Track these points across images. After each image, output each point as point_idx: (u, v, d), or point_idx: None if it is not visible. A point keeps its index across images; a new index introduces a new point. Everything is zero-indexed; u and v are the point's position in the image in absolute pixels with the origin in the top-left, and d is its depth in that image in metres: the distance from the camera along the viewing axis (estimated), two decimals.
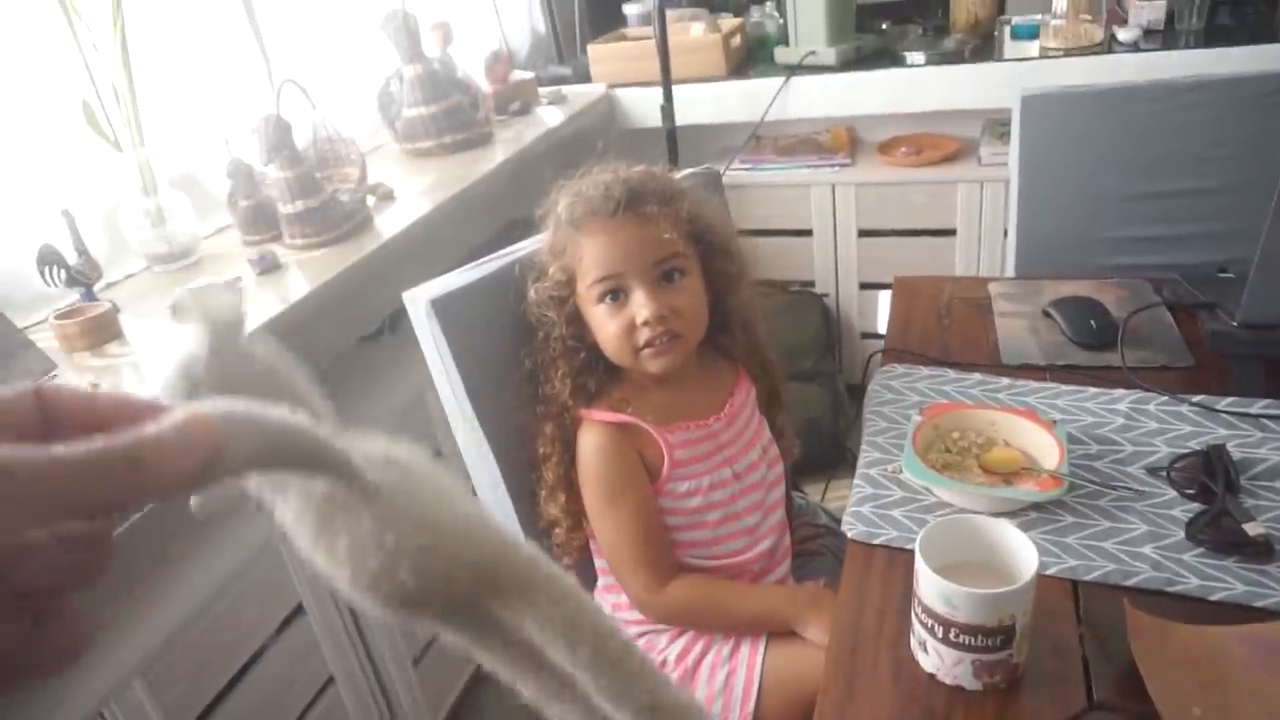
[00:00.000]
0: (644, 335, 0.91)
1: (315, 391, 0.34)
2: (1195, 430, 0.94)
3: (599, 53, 2.30)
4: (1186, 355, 1.07)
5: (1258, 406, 0.95)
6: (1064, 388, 1.04)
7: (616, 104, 2.29)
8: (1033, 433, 0.93)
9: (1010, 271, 1.61)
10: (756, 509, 1.03)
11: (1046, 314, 1.18)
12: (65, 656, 0.28)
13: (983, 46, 2.11)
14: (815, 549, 1.19)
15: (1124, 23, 1.95)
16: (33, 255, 1.18)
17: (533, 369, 0.98)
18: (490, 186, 1.69)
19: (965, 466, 0.92)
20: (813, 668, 0.81)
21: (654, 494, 0.98)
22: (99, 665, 0.98)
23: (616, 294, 0.91)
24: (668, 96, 2.10)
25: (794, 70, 2.13)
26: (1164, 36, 1.92)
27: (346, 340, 1.34)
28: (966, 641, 0.65)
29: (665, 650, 1.01)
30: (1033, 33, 2.05)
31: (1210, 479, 0.83)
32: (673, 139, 2.15)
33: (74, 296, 1.24)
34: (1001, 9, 2.26)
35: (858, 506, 0.90)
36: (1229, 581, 0.74)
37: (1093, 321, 1.13)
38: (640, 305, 0.90)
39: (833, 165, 2.23)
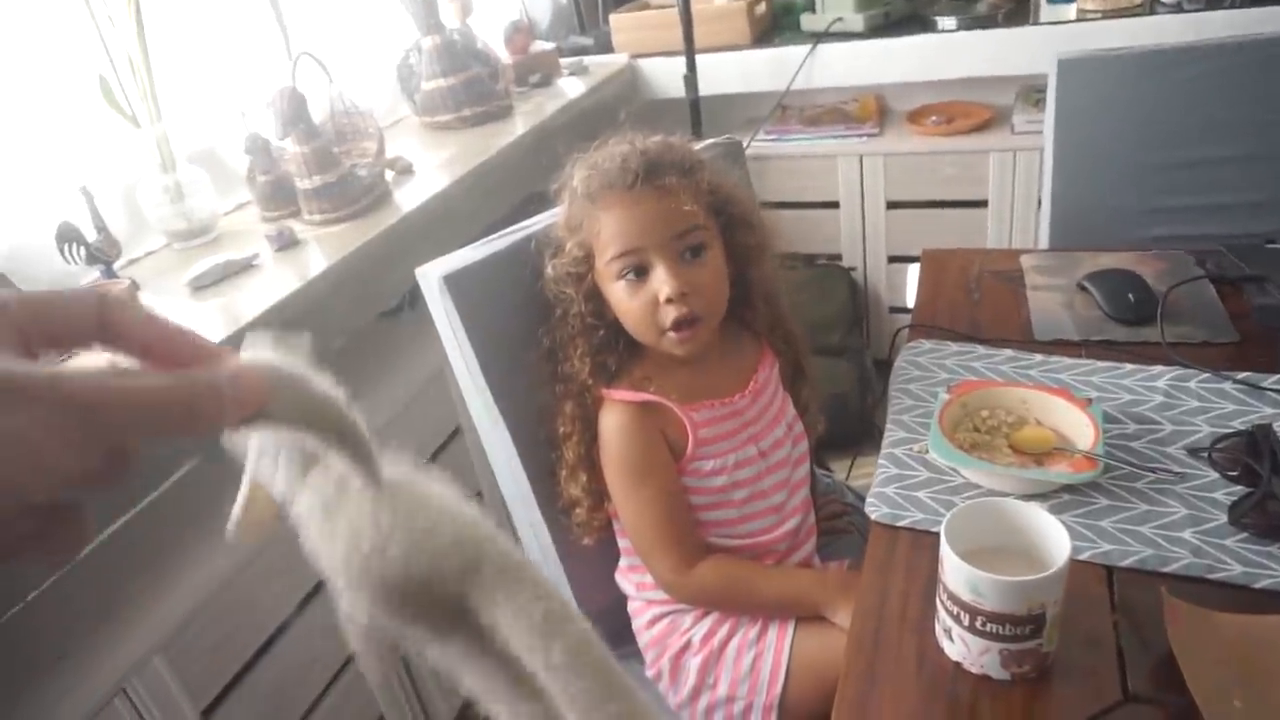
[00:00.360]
0: (669, 314, 0.88)
1: (359, 419, 0.35)
2: (1239, 409, 0.90)
3: (621, 22, 2.26)
4: (1230, 330, 1.02)
5: None
6: (1100, 364, 1.00)
7: (639, 74, 2.25)
8: (1066, 411, 0.89)
9: (1044, 244, 1.56)
10: (782, 487, 1.01)
11: (1082, 287, 1.14)
12: (72, 547, 0.31)
13: (1017, 10, 2.03)
14: (843, 527, 1.17)
15: None
16: (53, 233, 1.18)
17: (551, 347, 0.96)
18: (510, 159, 1.66)
19: (994, 446, 0.88)
20: (841, 652, 0.79)
21: (678, 473, 0.96)
22: (122, 641, 0.99)
23: (636, 270, 0.89)
24: (691, 66, 2.06)
25: (821, 37, 2.07)
26: None
27: (365, 316, 1.33)
28: (994, 630, 0.63)
29: (690, 631, 1.00)
30: None
31: (1255, 460, 0.79)
32: (696, 110, 2.11)
33: (95, 274, 1.23)
34: None
35: (882, 487, 0.87)
36: (1274, 568, 0.71)
37: (1131, 295, 1.08)
38: (661, 282, 0.87)
39: (860, 135, 2.18)
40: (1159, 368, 0.97)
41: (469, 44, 1.87)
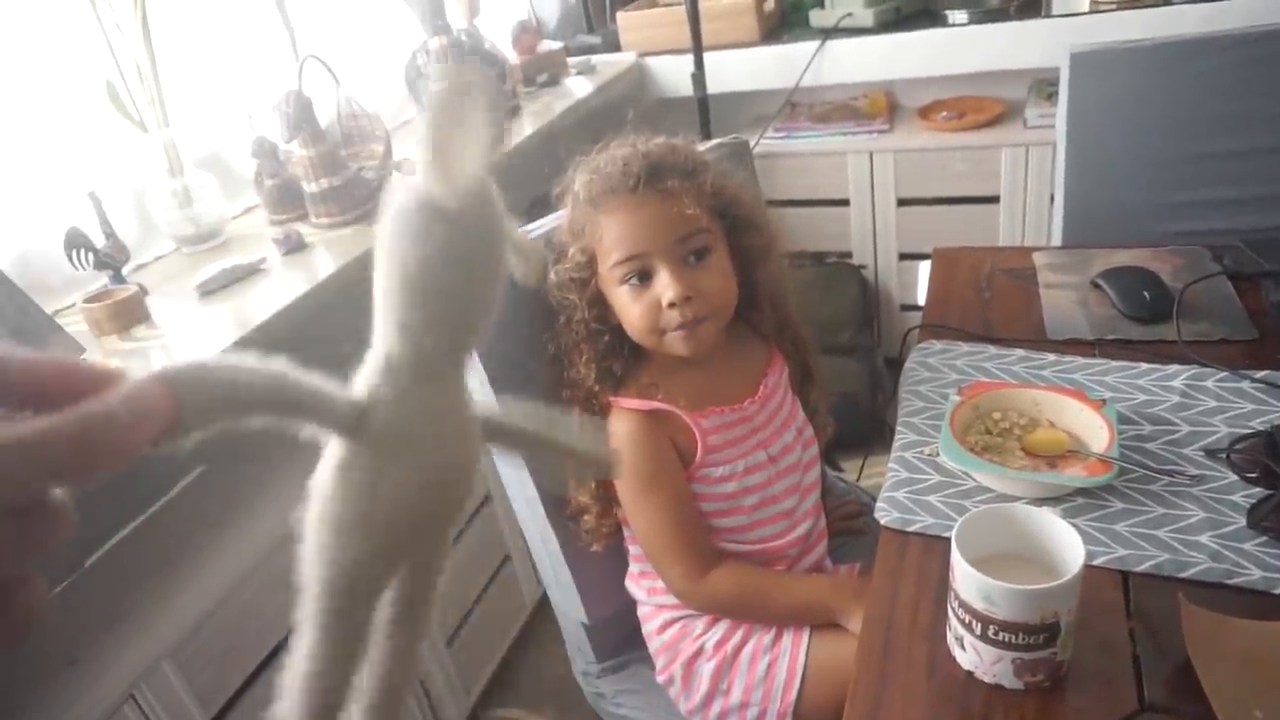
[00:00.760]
0: (672, 318, 0.87)
1: (291, 373, 0.32)
2: (1258, 408, 0.88)
3: (629, 20, 2.25)
4: (1249, 328, 1.00)
5: None
6: (1114, 364, 0.98)
7: (647, 73, 2.24)
8: (1080, 413, 0.88)
9: (1057, 241, 1.54)
10: (793, 491, 1.00)
11: (1096, 285, 1.12)
12: (16, 633, 0.28)
13: (1029, 2, 2.01)
14: (860, 527, 1.16)
15: None
16: (61, 239, 1.18)
17: (556, 353, 0.95)
18: (518, 160, 1.66)
19: (1007, 449, 0.87)
20: None
21: (688, 480, 0.95)
22: (131, 648, 0.99)
23: (640, 275, 0.88)
24: (699, 64, 2.05)
25: (830, 33, 2.06)
26: None
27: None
28: (1007, 639, 0.62)
29: (703, 636, 0.99)
30: None
31: (1274, 461, 0.77)
32: (705, 108, 2.09)
33: (103, 279, 1.24)
34: None
35: (892, 492, 0.86)
36: None
37: (1146, 293, 1.06)
38: (665, 286, 0.86)
39: (870, 132, 2.16)
40: (1175, 367, 0.96)
41: (476, 44, 1.86)
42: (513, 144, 1.68)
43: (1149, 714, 0.62)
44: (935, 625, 0.70)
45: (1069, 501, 0.80)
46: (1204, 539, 0.74)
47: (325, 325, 1.21)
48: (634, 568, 1.05)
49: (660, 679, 1.03)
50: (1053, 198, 1.76)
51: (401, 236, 0.33)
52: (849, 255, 2.28)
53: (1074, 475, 0.81)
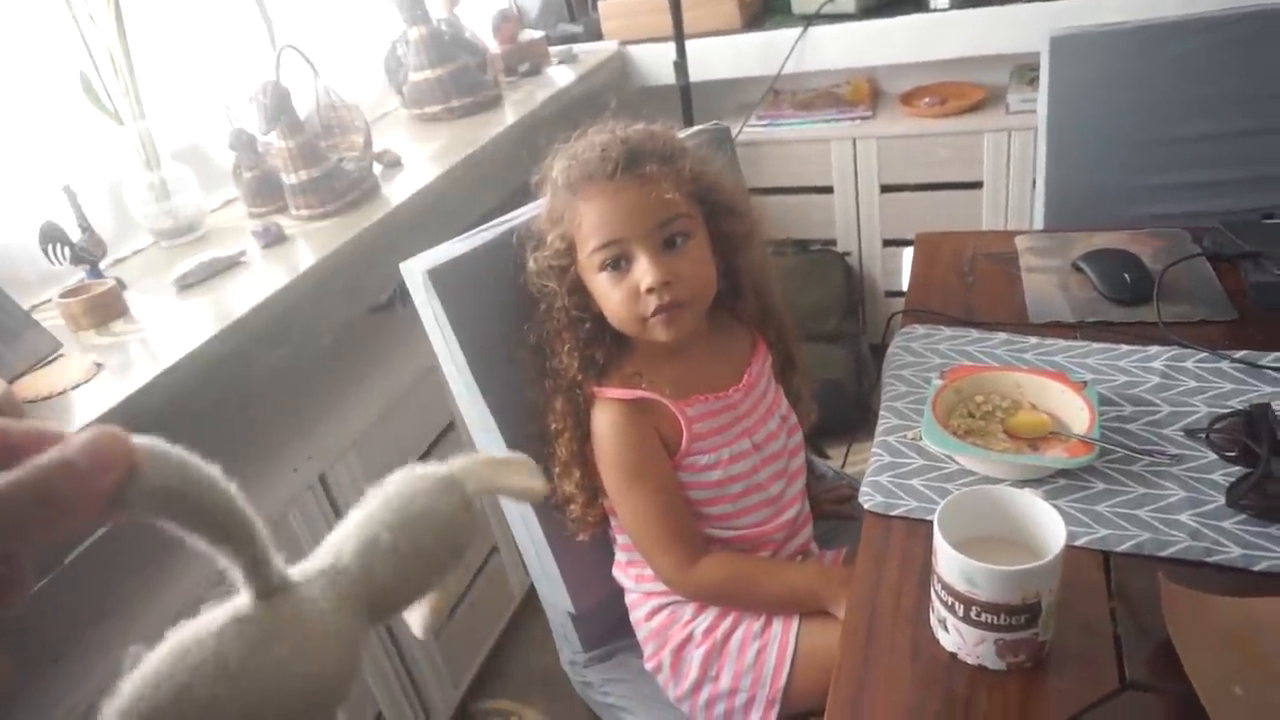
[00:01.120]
0: (650, 303, 0.87)
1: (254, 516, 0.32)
2: (1237, 388, 0.88)
3: (610, 8, 2.24)
4: (1228, 308, 1.01)
5: None
6: (1095, 346, 0.99)
7: (629, 61, 2.23)
8: (1061, 395, 0.88)
9: (1039, 224, 1.55)
10: (779, 478, 1.00)
11: (1077, 268, 1.13)
12: None
13: None
14: (849, 512, 1.17)
15: None
16: (36, 233, 1.17)
17: (538, 342, 0.94)
18: (500, 150, 1.65)
19: (989, 432, 0.87)
20: None
21: (673, 469, 0.95)
22: (115, 644, 0.98)
23: (618, 261, 0.87)
24: (681, 52, 2.04)
25: (812, 20, 2.05)
26: None
27: (355, 311, 1.32)
28: (989, 620, 0.62)
29: (692, 623, 0.99)
30: None
31: (1253, 440, 0.78)
32: (687, 96, 2.09)
33: (80, 274, 1.22)
34: None
35: (875, 476, 0.86)
36: (1273, 550, 0.70)
37: (1126, 275, 1.07)
38: (643, 272, 0.86)
39: (853, 118, 2.16)
40: (1155, 348, 0.96)
41: (457, 34, 1.85)
42: (495, 134, 1.66)
43: (1130, 693, 0.62)
44: (919, 608, 0.71)
45: (1051, 483, 0.81)
46: (1184, 518, 0.75)
47: (305, 318, 1.20)
48: (621, 556, 1.04)
49: (648, 666, 1.03)
50: (1035, 182, 1.76)
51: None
52: (833, 242, 2.28)
53: (1055, 457, 0.82)
